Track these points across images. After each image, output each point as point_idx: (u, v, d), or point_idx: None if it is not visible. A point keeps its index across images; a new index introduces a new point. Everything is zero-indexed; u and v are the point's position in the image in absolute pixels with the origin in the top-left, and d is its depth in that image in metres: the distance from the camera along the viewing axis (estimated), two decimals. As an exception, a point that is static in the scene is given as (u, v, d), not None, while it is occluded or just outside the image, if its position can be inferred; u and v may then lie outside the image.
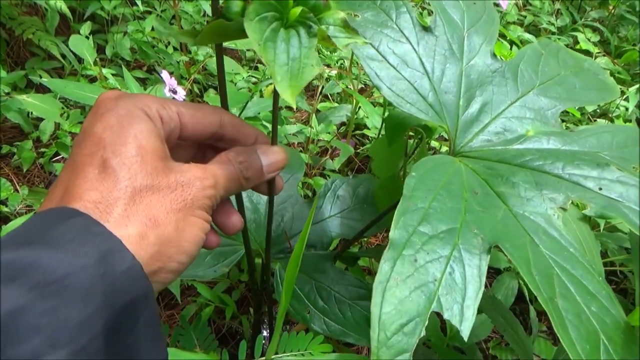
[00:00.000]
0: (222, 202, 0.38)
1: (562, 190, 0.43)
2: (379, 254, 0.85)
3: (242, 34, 0.33)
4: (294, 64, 0.32)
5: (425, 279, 0.34)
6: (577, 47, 1.50)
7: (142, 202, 0.29)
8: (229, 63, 1.17)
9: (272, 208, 0.49)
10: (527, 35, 1.45)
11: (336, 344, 0.77)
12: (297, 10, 0.33)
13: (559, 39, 1.56)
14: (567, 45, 1.50)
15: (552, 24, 1.62)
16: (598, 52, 1.46)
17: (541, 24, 1.61)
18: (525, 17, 1.64)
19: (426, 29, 0.55)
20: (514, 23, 1.56)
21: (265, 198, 0.70)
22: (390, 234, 0.35)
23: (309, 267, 0.63)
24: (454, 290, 0.33)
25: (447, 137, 0.52)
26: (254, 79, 1.22)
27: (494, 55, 0.56)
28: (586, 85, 0.59)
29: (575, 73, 0.59)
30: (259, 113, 0.97)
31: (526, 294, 0.79)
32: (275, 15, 0.32)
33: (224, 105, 0.43)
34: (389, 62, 0.51)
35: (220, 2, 0.37)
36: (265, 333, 0.82)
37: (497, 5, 1.14)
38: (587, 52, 1.45)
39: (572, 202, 0.42)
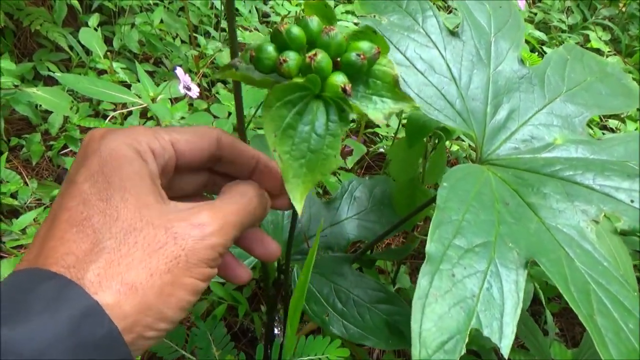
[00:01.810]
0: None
1: (594, 202, 0.43)
2: (394, 256, 0.85)
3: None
4: (312, 157, 0.27)
5: (463, 294, 0.33)
6: (588, 45, 1.49)
7: (120, 264, 0.26)
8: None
9: (295, 217, 0.49)
10: (538, 33, 1.44)
11: (351, 345, 0.77)
12: (336, 80, 0.27)
13: (569, 37, 1.55)
14: (577, 44, 1.49)
15: (563, 22, 1.61)
16: (609, 51, 1.45)
17: (552, 22, 1.60)
18: (535, 14, 1.62)
19: (453, 33, 0.54)
20: (524, 20, 1.55)
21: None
22: (427, 247, 0.35)
23: (327, 270, 0.63)
24: (492, 306, 0.33)
25: (471, 144, 0.52)
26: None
27: (520, 61, 0.55)
28: (612, 92, 0.58)
29: (600, 79, 0.59)
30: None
31: (541, 297, 0.79)
32: (303, 95, 0.28)
33: (242, 136, 0.41)
34: (416, 68, 0.50)
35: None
36: (276, 331, 0.82)
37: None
38: (598, 51, 1.44)
39: (605, 215, 0.42)
